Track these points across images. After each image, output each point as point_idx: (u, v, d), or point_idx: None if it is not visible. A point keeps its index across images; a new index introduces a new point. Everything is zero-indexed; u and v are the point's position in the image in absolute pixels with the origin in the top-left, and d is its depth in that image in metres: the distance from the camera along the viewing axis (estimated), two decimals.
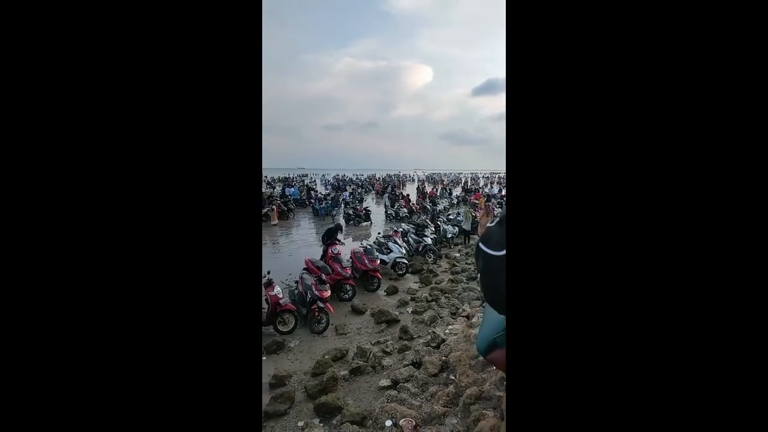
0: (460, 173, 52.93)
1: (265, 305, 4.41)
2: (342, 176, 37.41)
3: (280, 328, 4.24)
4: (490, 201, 13.34)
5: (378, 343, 3.89)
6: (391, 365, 3.32)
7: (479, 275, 0.52)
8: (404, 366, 3.14)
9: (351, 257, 6.06)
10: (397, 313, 4.64)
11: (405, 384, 2.78)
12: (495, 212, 11.66)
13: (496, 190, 20.71)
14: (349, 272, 5.46)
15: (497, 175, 44.93)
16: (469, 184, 29.24)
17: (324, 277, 4.75)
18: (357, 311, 4.88)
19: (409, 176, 42.00)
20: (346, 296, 5.34)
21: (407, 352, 3.49)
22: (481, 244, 0.49)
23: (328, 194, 14.95)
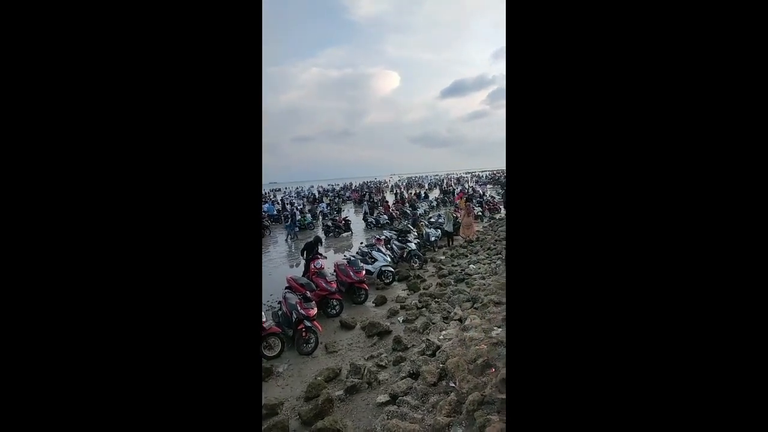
0: (436, 175, 53.93)
1: None
2: (316, 188, 37.12)
3: (266, 353, 4.08)
4: (470, 201, 13.66)
5: (371, 357, 3.83)
6: (387, 379, 3.27)
7: None
8: (401, 378, 3.09)
9: (335, 270, 5.98)
10: (388, 324, 4.59)
11: (404, 397, 2.73)
12: (475, 211, 11.91)
13: (480, 190, 21.18)
14: (335, 286, 5.37)
15: (472, 174, 46.23)
16: (445, 184, 29.83)
17: (308, 294, 4.64)
18: (346, 326, 4.79)
19: (386, 182, 42.33)
20: (334, 312, 5.24)
21: (403, 364, 3.45)
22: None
23: (295, 210, 14.62)
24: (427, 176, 48.60)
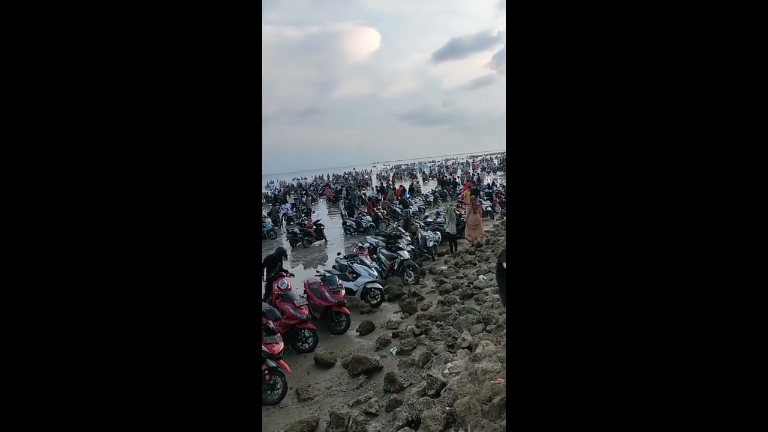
0: (432, 161, 54.33)
1: None
2: (277, 183, 36.75)
3: None
4: (477, 194, 13.82)
5: (357, 403, 3.81)
6: (379, 431, 3.26)
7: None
8: (397, 429, 3.09)
9: (306, 291, 5.93)
10: (378, 358, 4.59)
11: None
12: (483, 207, 12.06)
13: (488, 179, 21.42)
14: (306, 312, 5.33)
15: (477, 159, 46.77)
16: (444, 173, 30.12)
17: (271, 324, 4.57)
18: (323, 364, 4.76)
19: (368, 172, 42.34)
20: (306, 346, 5.20)
21: (398, 409, 3.45)
22: (505, 264, 0.50)
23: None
24: (421, 163, 48.94)
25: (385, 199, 17.00)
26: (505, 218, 12.03)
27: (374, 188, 24.46)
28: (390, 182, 25.86)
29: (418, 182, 25.37)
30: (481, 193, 14.55)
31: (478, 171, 29.37)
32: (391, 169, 46.22)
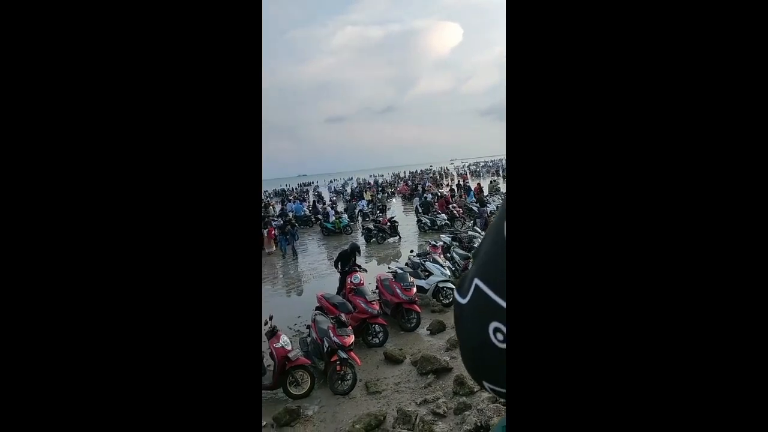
0: None
1: (269, 362, 4.46)
2: (355, 180, 37.88)
3: (293, 390, 4.25)
4: None
5: (425, 402, 3.80)
6: None
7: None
8: None
9: (377, 287, 6.04)
10: (448, 359, 4.53)
11: None
12: None
13: None
14: (377, 308, 5.43)
15: None
16: None
17: (344, 317, 4.75)
18: (392, 360, 4.82)
19: (446, 170, 41.89)
20: (376, 340, 5.31)
21: (467, 413, 3.38)
22: (455, 291, 0.47)
23: (328, 209, 15.20)
24: (501, 160, 47.28)
25: (466, 196, 16.67)
26: None
27: (446, 185, 24.16)
28: (466, 180, 25.32)
29: (496, 180, 24.48)
30: None
31: None
32: (467, 166, 45.21)
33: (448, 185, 24.57)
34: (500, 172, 33.13)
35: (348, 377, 4.31)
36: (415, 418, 3.42)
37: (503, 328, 0.39)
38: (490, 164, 44.07)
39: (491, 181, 23.03)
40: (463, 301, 0.44)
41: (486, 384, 0.44)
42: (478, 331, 0.42)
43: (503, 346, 0.39)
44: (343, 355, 4.28)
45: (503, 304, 0.39)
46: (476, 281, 0.42)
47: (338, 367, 4.28)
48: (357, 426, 3.50)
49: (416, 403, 3.83)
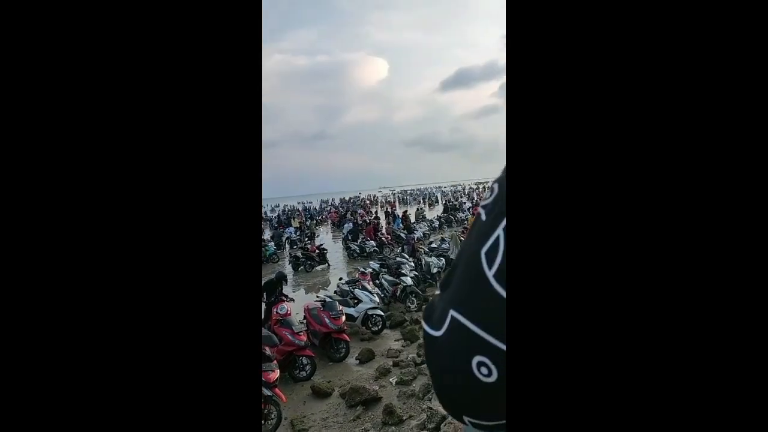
0: (439, 186, 54.66)
1: None
2: (281, 207, 37.04)
3: None
4: None
5: None
6: None
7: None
8: None
9: (305, 317, 5.85)
10: (377, 388, 4.47)
11: None
12: None
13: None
14: (305, 339, 5.24)
15: (484, 185, 47.09)
16: (449, 198, 30.21)
17: (268, 350, 4.49)
18: (320, 393, 4.64)
19: (373, 197, 42.58)
20: (303, 374, 5.08)
21: None
22: (423, 322, 0.46)
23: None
24: (428, 189, 49.22)
25: (391, 224, 17.00)
26: None
27: (374, 213, 24.56)
28: (393, 207, 25.96)
29: (422, 208, 25.40)
30: None
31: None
32: (393, 195, 46.49)
33: (375, 212, 24.96)
34: (425, 200, 34.48)
35: (272, 416, 4.05)
36: None
37: (488, 362, 0.37)
38: (417, 192, 45.74)
39: (417, 209, 23.83)
40: (437, 334, 0.41)
41: (467, 419, 0.41)
42: (460, 366, 0.39)
43: (489, 380, 0.37)
44: (267, 392, 4.03)
45: (486, 336, 0.37)
46: (452, 312, 0.39)
47: (262, 405, 4.02)
48: None
49: None
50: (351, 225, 16.38)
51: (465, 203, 23.83)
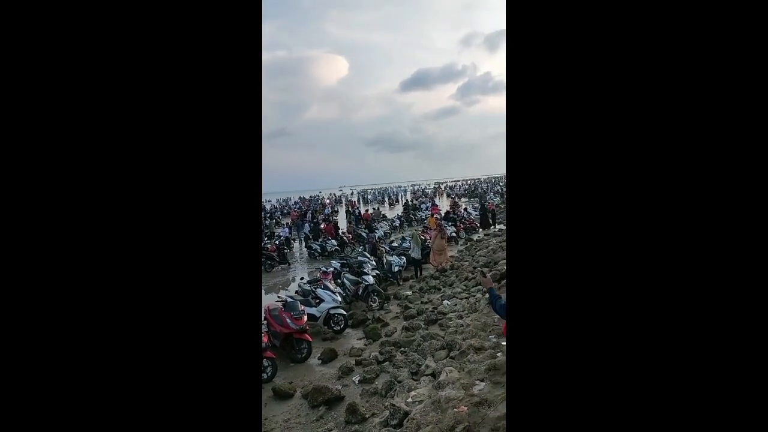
0: (398, 186, 55.08)
1: None
2: None
3: None
4: (451, 218, 14.06)
5: None
6: None
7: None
8: None
9: (266, 318, 5.72)
10: (340, 387, 4.46)
11: None
12: (448, 232, 12.29)
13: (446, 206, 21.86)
14: (265, 340, 5.13)
15: (443, 185, 47.92)
16: (410, 198, 30.52)
17: None
18: (282, 395, 4.57)
19: (334, 196, 42.19)
20: (264, 376, 4.98)
21: None
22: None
23: None
24: (388, 188, 49.41)
25: (356, 224, 16.92)
26: (468, 243, 12.25)
27: (335, 211, 24.40)
28: (355, 206, 25.89)
29: (377, 207, 25.50)
30: (447, 217, 14.78)
31: (443, 197, 29.98)
32: (354, 193, 46.34)
33: (337, 211, 24.79)
34: (385, 200, 34.60)
35: None
36: None
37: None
38: (377, 192, 45.80)
39: (375, 208, 23.87)
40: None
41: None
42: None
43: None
44: None
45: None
46: None
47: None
48: None
49: None
50: (307, 226, 16.15)
51: (425, 203, 24.13)
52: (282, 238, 14.11)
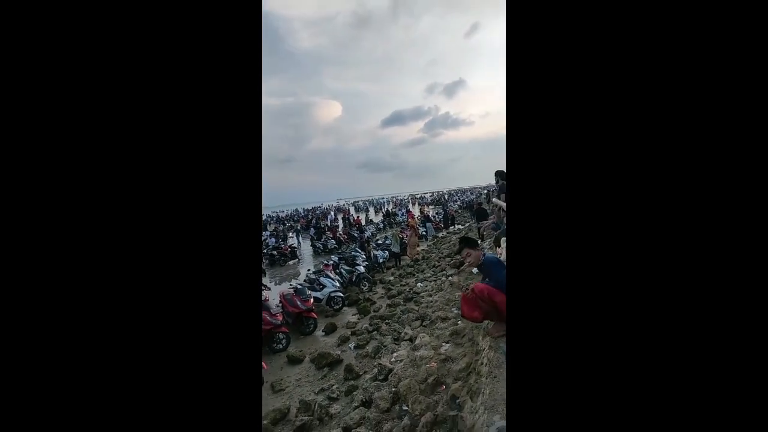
0: (382, 198, 55.19)
1: None
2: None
3: None
4: (426, 221, 14.10)
5: (322, 390, 3.60)
6: (339, 411, 3.08)
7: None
8: (354, 409, 2.94)
9: (280, 301, 5.63)
10: (339, 352, 4.40)
11: (357, 429, 2.59)
12: (420, 231, 12.27)
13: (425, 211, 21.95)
14: (280, 318, 5.03)
15: (417, 196, 48.30)
16: (390, 207, 30.53)
17: None
18: (294, 360, 4.48)
19: (333, 206, 41.93)
20: (280, 346, 4.88)
21: (355, 393, 3.30)
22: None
23: None
24: (374, 200, 49.40)
25: (350, 227, 16.81)
26: (435, 239, 12.30)
27: (335, 218, 24.21)
28: (348, 214, 25.75)
29: (369, 213, 25.41)
30: (420, 221, 14.79)
31: (416, 206, 30.06)
32: (351, 204, 46.15)
33: (337, 219, 24.58)
34: (371, 209, 34.51)
35: None
36: (314, 405, 3.20)
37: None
38: (367, 202, 45.74)
39: (365, 216, 23.80)
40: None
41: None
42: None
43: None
44: None
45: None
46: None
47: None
48: (264, 422, 3.11)
49: (315, 392, 3.61)
50: (312, 229, 16.03)
51: (401, 209, 24.17)
52: (293, 239, 13.89)
